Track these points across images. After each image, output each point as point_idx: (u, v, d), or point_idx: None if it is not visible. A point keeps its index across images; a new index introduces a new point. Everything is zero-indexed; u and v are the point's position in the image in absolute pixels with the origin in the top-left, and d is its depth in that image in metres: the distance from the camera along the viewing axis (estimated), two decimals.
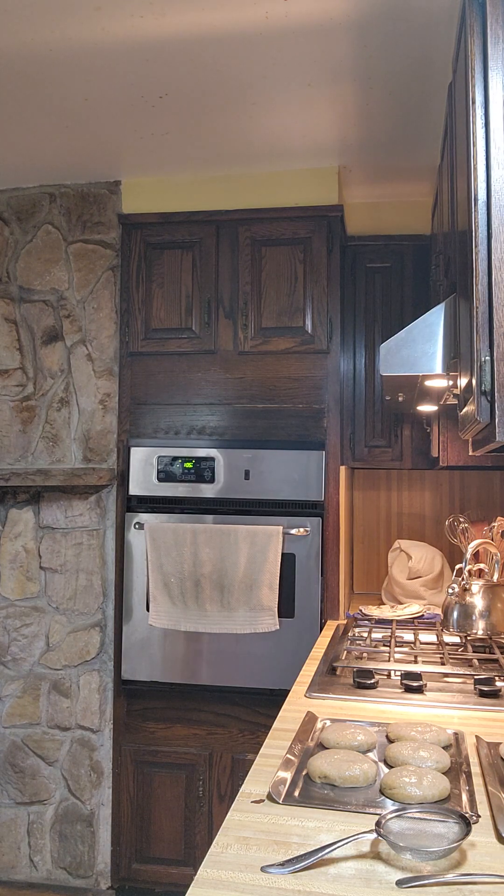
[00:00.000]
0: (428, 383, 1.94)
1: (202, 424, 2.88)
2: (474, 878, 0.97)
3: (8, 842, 2.93)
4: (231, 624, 2.70)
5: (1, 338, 3.06)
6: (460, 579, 2.23)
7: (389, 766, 1.32)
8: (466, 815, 1.05)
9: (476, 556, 2.46)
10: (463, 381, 1.54)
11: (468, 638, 2.19)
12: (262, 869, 0.98)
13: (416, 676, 1.82)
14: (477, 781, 1.27)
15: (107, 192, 3.02)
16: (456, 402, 1.81)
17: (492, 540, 2.35)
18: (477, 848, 1.04)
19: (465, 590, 2.21)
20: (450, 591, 2.24)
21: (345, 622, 2.67)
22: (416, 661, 2.01)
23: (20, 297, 3.06)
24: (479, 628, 2.19)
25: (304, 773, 1.30)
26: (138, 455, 2.88)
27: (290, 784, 1.25)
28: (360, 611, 2.68)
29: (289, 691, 1.82)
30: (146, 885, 2.83)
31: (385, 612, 2.64)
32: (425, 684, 1.80)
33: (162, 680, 2.82)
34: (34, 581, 2.98)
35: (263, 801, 1.19)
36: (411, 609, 2.65)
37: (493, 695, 1.75)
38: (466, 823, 1.03)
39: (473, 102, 1.33)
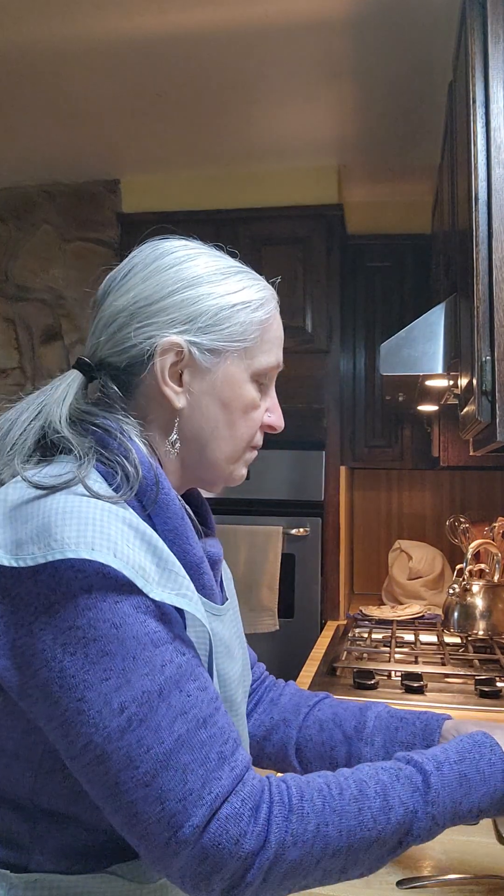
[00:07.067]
0: (428, 383, 1.94)
1: None
2: (474, 878, 0.96)
3: None
4: None
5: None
6: (461, 579, 2.23)
7: None
8: None
9: (477, 557, 2.45)
10: (463, 381, 1.53)
11: (469, 638, 2.19)
12: None
13: (417, 677, 1.81)
14: None
15: (104, 191, 3.01)
16: (456, 402, 1.81)
17: (492, 540, 2.34)
18: (477, 848, 1.04)
19: (466, 590, 2.21)
20: (450, 591, 2.24)
21: (345, 622, 2.67)
22: (416, 662, 2.00)
23: (17, 296, 3.05)
24: (480, 629, 2.18)
25: None
26: None
27: None
28: (361, 611, 2.68)
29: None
30: None
31: (385, 612, 2.64)
32: (426, 685, 1.79)
33: None
34: None
35: None
36: (412, 609, 2.65)
37: (494, 695, 1.75)
38: None
39: (474, 101, 1.32)
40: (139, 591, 0.68)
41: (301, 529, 2.72)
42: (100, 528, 0.68)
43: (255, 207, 2.86)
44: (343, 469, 2.89)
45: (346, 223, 3.05)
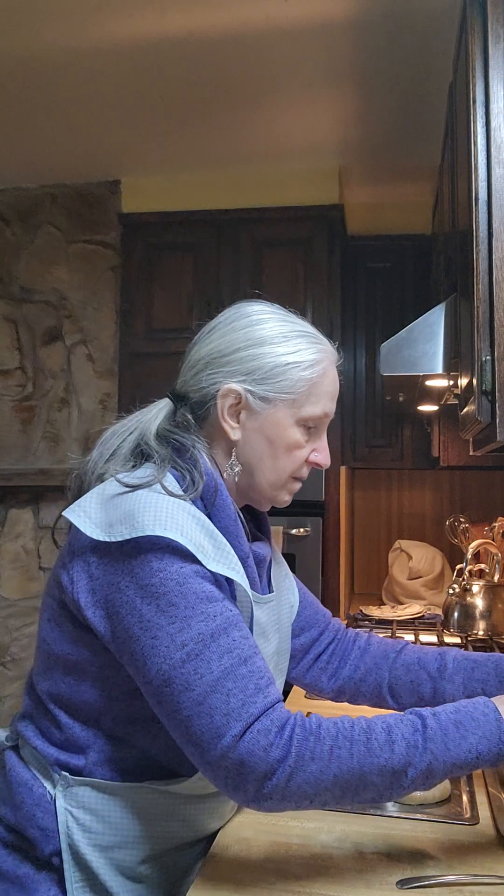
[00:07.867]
0: (429, 383, 1.94)
1: None
2: (474, 878, 0.97)
3: None
4: None
5: (1, 338, 3.06)
6: (461, 579, 2.23)
7: None
8: None
9: (477, 557, 2.45)
10: (464, 381, 1.54)
11: (469, 638, 2.19)
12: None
13: None
14: (477, 782, 1.27)
15: (107, 192, 3.01)
16: (456, 402, 1.81)
17: (492, 540, 2.34)
18: (477, 848, 1.04)
19: (466, 590, 2.21)
20: (450, 591, 2.24)
21: (345, 622, 2.67)
22: None
23: (21, 297, 3.06)
24: (480, 629, 2.18)
25: None
26: None
27: None
28: (361, 611, 2.68)
29: (289, 692, 1.81)
30: None
31: (385, 612, 2.64)
32: None
33: None
34: (35, 581, 2.97)
35: None
36: (412, 609, 2.65)
37: None
38: None
39: (474, 102, 1.32)
40: (199, 562, 0.91)
41: (301, 529, 2.73)
42: (171, 515, 0.91)
43: (257, 208, 2.87)
44: (343, 469, 2.89)
45: (347, 224, 3.06)
